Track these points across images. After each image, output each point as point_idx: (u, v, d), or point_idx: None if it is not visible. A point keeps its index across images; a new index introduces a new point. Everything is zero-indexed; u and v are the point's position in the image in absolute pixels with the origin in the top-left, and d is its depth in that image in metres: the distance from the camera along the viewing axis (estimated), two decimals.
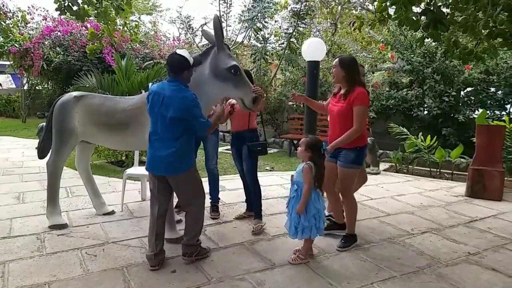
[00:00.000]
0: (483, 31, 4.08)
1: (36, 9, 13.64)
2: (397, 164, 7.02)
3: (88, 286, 2.84)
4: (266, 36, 9.14)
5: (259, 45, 9.08)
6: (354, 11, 11.80)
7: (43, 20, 13.72)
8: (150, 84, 7.55)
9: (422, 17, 4.02)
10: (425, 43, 7.33)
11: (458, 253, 3.54)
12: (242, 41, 9.76)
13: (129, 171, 4.76)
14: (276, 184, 5.80)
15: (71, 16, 6.02)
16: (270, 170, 6.87)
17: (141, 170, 4.75)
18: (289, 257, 3.33)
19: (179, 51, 3.12)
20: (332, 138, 3.61)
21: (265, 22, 8.86)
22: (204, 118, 3.05)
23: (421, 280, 3.05)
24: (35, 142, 8.06)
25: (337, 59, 3.68)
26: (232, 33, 10.54)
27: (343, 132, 3.49)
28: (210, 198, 4.44)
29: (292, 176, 3.44)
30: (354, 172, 3.60)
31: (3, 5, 12.70)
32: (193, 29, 9.99)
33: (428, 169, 6.76)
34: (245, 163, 4.13)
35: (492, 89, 7.95)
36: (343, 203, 3.73)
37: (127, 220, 4.21)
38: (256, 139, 4.14)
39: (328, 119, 3.87)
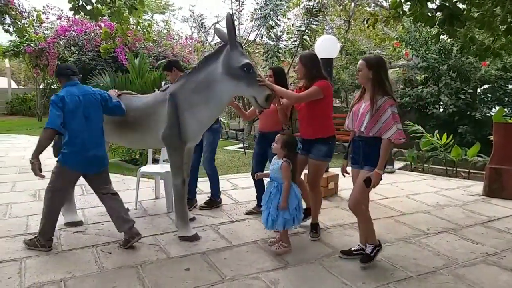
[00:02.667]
0: (500, 26, 4.00)
1: (51, 9, 13.83)
2: (412, 163, 6.93)
3: (103, 283, 2.86)
4: (279, 34, 9.08)
5: (271, 43, 9.04)
6: (367, 8, 11.68)
7: (57, 19, 13.90)
8: (163, 82, 7.61)
9: (438, 13, 3.96)
10: (440, 40, 7.24)
11: (475, 253, 3.48)
12: (255, 39, 9.74)
13: (143, 169, 4.79)
14: None
15: (85, 16, 6.09)
16: None
17: (155, 168, 4.80)
18: (272, 247, 3.44)
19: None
20: (304, 132, 3.78)
21: (277, 20, 8.80)
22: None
23: (437, 280, 2.99)
24: None
25: (299, 56, 3.82)
26: (244, 31, 10.53)
27: (313, 124, 3.67)
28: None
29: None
30: (326, 164, 3.94)
31: (19, 5, 12.89)
32: (205, 27, 9.98)
33: (444, 167, 6.66)
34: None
35: (510, 86, 7.81)
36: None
37: (141, 218, 4.23)
38: None
39: (298, 116, 3.97)
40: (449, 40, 7.85)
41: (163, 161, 4.91)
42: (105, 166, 3.61)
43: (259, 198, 4.41)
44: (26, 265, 3.11)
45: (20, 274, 2.97)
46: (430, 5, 4.07)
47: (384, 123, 2.97)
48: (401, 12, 4.93)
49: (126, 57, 9.88)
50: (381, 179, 3.06)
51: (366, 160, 3.12)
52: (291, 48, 9.37)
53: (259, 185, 4.37)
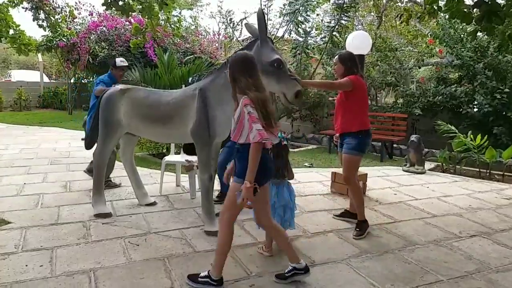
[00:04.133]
0: None
1: (83, 5, 14.14)
2: (444, 164, 6.73)
3: (132, 275, 2.90)
4: (308, 29, 8.97)
5: (300, 39, 8.94)
6: (399, 4, 11.40)
7: (89, 15, 14.19)
8: (190, 78, 7.66)
9: (475, 9, 3.81)
10: (476, 37, 6.98)
11: (509, 258, 3.34)
12: (283, 35, 9.66)
13: (168, 158, 5.14)
14: (315, 180, 5.71)
15: (117, 11, 6.19)
16: (309, 167, 6.77)
17: (178, 158, 5.14)
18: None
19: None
20: (336, 127, 3.98)
21: (307, 15, 8.69)
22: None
23: (469, 285, 2.90)
24: (81, 134, 8.37)
25: (337, 57, 3.89)
26: (272, 27, 10.46)
27: (344, 118, 3.82)
28: None
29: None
30: (357, 158, 3.80)
31: (53, 1, 13.24)
32: (233, 23, 9.96)
33: (477, 169, 6.43)
34: None
35: None
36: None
37: (168, 211, 4.28)
38: None
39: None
40: (485, 37, 7.58)
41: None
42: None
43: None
44: (57, 254, 3.18)
45: (51, 262, 3.05)
46: (467, 1, 3.92)
47: (247, 126, 2.57)
48: (436, 8, 4.79)
49: (155, 52, 9.99)
50: (256, 193, 2.55)
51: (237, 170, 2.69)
52: (320, 45, 9.24)
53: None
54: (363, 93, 3.82)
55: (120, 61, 4.96)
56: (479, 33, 5.18)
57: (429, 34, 8.87)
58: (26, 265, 2.99)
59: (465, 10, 3.88)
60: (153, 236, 3.59)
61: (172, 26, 10.56)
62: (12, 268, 2.94)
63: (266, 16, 9.31)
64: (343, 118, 3.84)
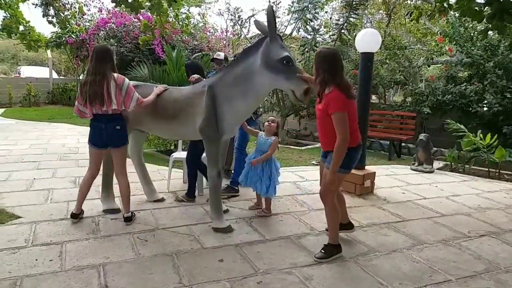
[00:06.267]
0: None
1: (92, 1, 14.21)
2: (453, 163, 6.68)
3: (140, 270, 2.92)
4: (316, 27, 8.93)
5: (309, 36, 8.91)
6: (409, 1, 11.31)
7: (98, 12, 14.26)
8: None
9: (486, 7, 3.76)
10: (487, 35, 6.91)
11: None
12: (291, 33, 9.63)
13: (175, 155, 5.09)
14: None
15: (126, 8, 6.21)
16: (317, 165, 6.76)
17: (184, 154, 5.08)
18: (256, 212, 4.16)
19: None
20: (321, 142, 3.33)
21: (315, 13, 8.66)
22: None
23: (478, 285, 2.88)
24: (89, 130, 8.41)
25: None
26: (280, 25, 10.42)
27: (327, 137, 3.16)
28: None
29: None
30: (340, 176, 3.16)
31: None
32: (242, 20, 9.95)
33: (487, 169, 6.37)
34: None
35: None
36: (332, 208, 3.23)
37: (176, 207, 4.30)
38: None
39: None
40: (496, 35, 7.50)
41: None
42: None
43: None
44: (66, 249, 3.21)
45: (61, 257, 3.07)
46: None
47: None
48: (447, 6, 4.75)
49: (163, 49, 10.01)
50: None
51: None
52: (328, 42, 9.21)
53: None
54: (348, 113, 3.06)
55: (216, 55, 5.27)
56: (489, 32, 5.12)
57: (438, 32, 8.78)
58: (36, 260, 3.02)
59: (476, 8, 3.84)
60: (161, 232, 3.61)
61: (181, 23, 10.58)
62: (22, 262, 2.97)
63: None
64: (328, 137, 3.15)
